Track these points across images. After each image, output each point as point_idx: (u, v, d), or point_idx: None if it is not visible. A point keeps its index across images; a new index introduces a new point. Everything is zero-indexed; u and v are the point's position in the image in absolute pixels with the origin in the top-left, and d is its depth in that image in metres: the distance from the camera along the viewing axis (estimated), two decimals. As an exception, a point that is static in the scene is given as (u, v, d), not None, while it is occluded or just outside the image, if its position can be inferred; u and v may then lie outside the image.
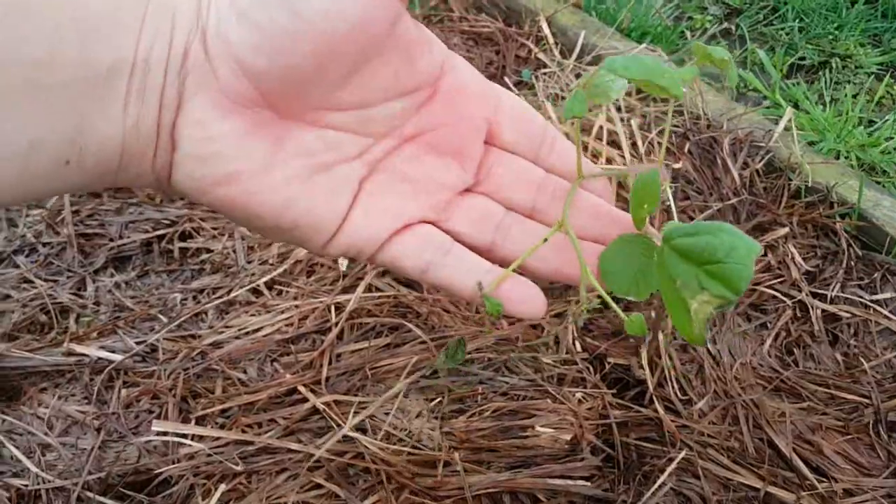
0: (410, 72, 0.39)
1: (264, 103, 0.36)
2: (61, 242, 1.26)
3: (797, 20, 1.73)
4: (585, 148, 1.28)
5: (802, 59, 1.67)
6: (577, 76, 1.49)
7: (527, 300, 0.41)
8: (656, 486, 0.89)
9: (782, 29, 1.72)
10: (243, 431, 0.93)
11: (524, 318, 0.43)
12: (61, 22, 0.31)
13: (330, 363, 1.02)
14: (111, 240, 1.27)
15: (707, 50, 0.45)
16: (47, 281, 1.21)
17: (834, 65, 1.65)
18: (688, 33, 1.70)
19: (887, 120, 1.47)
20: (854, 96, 1.57)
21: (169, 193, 0.41)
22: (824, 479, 0.91)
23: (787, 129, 1.27)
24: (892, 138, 1.43)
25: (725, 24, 1.76)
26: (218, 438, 0.92)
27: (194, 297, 1.16)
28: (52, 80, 0.31)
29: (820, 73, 1.65)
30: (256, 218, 0.38)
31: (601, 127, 1.29)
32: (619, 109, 1.35)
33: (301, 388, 0.98)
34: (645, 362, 1.00)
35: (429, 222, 0.41)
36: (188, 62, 0.34)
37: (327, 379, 1.00)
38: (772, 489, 0.89)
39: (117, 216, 1.29)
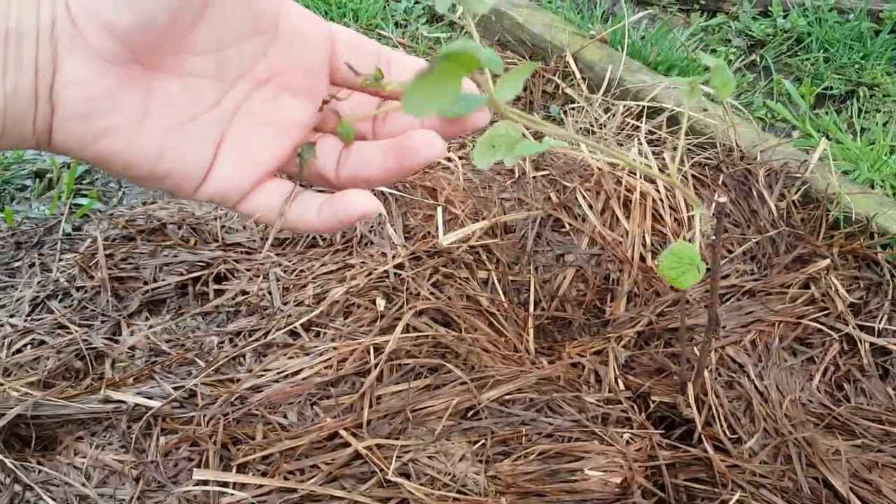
0: (251, 13, 0.42)
1: (131, 58, 0.39)
2: (95, 286, 1.26)
3: (822, 51, 1.73)
4: (619, 181, 1.27)
5: (829, 88, 1.66)
6: (606, 110, 1.49)
7: (357, 199, 0.44)
8: (712, 529, 0.86)
9: (807, 59, 1.72)
10: (286, 479, 0.92)
11: (361, 216, 0.45)
12: None
13: (370, 406, 1.00)
14: (145, 283, 1.26)
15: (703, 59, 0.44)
16: (82, 326, 1.20)
17: (861, 94, 1.64)
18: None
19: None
20: (884, 124, 1.56)
21: (49, 151, 0.44)
22: (886, 521, 0.88)
23: (822, 159, 1.26)
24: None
25: (750, 56, 1.76)
26: (260, 486, 0.90)
27: (231, 340, 1.15)
28: None
29: (847, 102, 1.64)
30: (134, 167, 0.41)
31: (635, 160, 1.28)
32: (651, 143, 1.35)
33: (342, 433, 0.97)
34: (692, 400, 0.98)
35: (286, 165, 0.45)
36: (56, 28, 0.37)
37: (368, 422, 0.98)
38: (832, 532, 0.87)
39: (151, 259, 1.29)
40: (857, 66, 1.68)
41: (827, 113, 1.59)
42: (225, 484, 0.91)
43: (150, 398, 1.05)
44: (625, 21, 1.57)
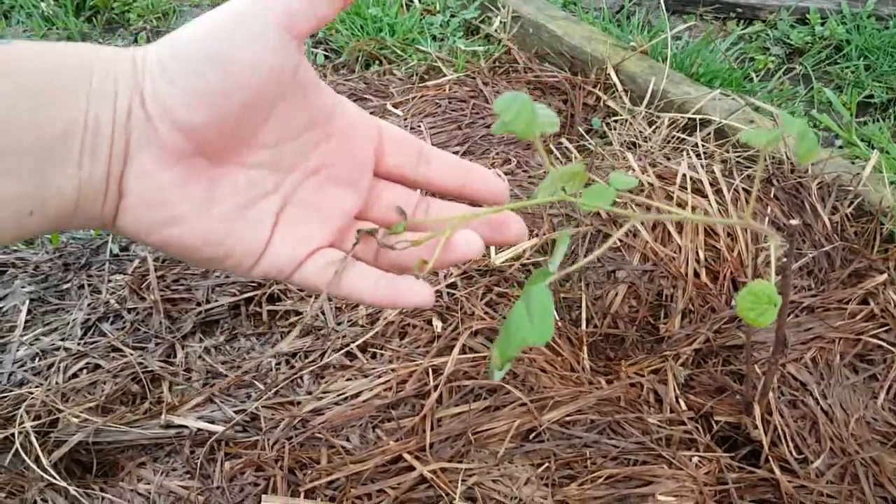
0: (310, 110, 0.45)
1: (198, 153, 0.41)
2: (147, 308, 1.27)
3: (862, 58, 1.71)
4: (670, 197, 1.26)
5: (870, 97, 1.65)
6: (650, 123, 1.49)
7: (413, 287, 0.46)
8: (788, 554, 0.86)
9: (847, 68, 1.71)
10: (354, 503, 0.92)
11: (415, 307, 0.50)
12: (10, 90, 0.36)
13: (432, 428, 1.00)
14: (198, 304, 1.27)
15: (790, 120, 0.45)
16: (136, 349, 1.21)
17: (905, 102, 1.63)
18: (753, 75, 1.69)
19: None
20: (927, 132, 1.55)
21: (114, 233, 0.48)
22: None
23: (875, 170, 1.25)
24: (976, 175, 1.40)
25: (788, 64, 1.75)
26: (330, 512, 0.91)
27: (287, 362, 1.15)
28: (8, 143, 0.36)
29: (890, 110, 1.63)
30: (195, 252, 0.43)
31: (684, 175, 1.28)
32: (699, 156, 1.34)
33: (406, 456, 0.97)
34: (759, 420, 0.97)
35: (332, 245, 0.48)
36: (131, 122, 0.39)
37: (431, 445, 0.98)
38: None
39: (203, 280, 1.30)
40: (898, 74, 1.67)
41: (874, 121, 1.58)
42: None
43: (212, 422, 1.05)
44: (666, 32, 1.57)
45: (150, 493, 0.99)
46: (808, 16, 1.81)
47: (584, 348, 1.16)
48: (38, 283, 1.33)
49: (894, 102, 1.64)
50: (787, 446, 0.97)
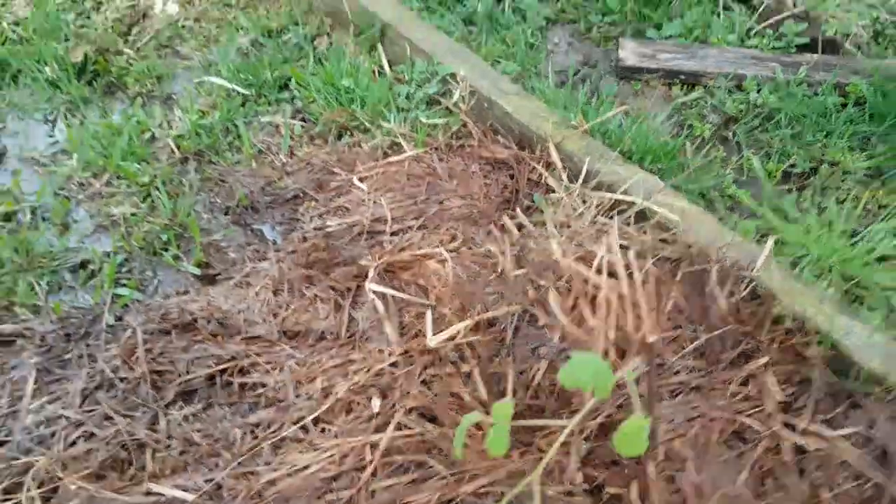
0: None
1: None
2: (136, 378, 1.47)
3: (790, 126, 1.86)
4: (586, 281, 1.44)
5: (794, 165, 1.80)
6: (584, 201, 1.66)
7: None
8: None
9: (776, 135, 1.86)
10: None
11: None
12: None
13: (366, 500, 1.20)
14: (179, 375, 1.47)
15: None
16: (125, 416, 1.42)
17: (823, 171, 1.78)
18: (688, 144, 1.85)
19: (870, 230, 1.60)
20: (841, 202, 1.71)
21: None
22: None
23: (775, 249, 1.42)
24: (873, 249, 1.56)
25: (724, 131, 1.91)
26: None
27: (252, 432, 1.36)
28: None
29: (811, 178, 1.78)
30: None
31: (602, 258, 1.45)
32: (621, 235, 1.51)
33: (343, 524, 1.17)
34: (635, 495, 1.16)
35: None
36: None
37: (364, 513, 1.18)
38: None
39: (184, 353, 1.50)
40: (820, 143, 1.82)
41: (790, 190, 1.74)
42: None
43: (186, 490, 1.26)
44: (606, 115, 1.73)
45: (133, 552, 1.20)
46: (744, 83, 1.96)
47: (510, 409, 1.34)
48: (43, 353, 1.54)
49: (815, 171, 1.79)
50: (661, 517, 1.16)
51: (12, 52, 2.29)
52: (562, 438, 1.07)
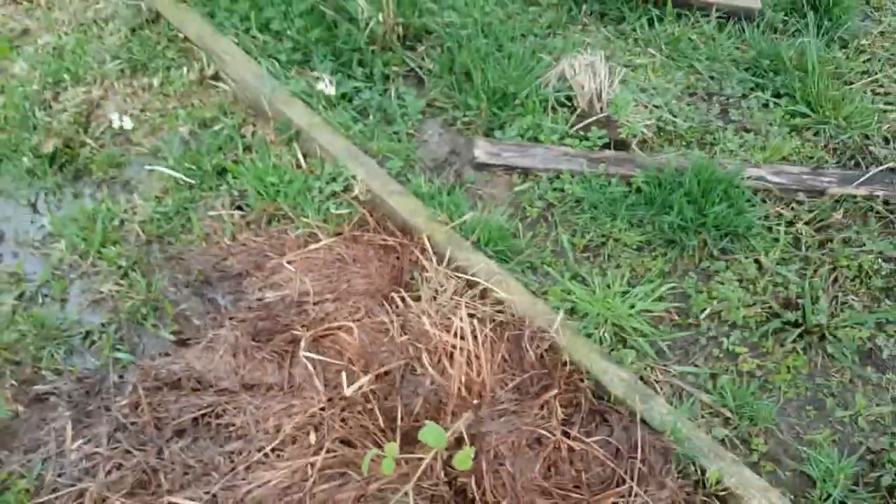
0: None
1: None
2: (143, 422, 2.15)
3: (590, 210, 2.68)
4: (446, 342, 2.21)
5: (591, 240, 2.62)
6: (447, 278, 2.42)
7: None
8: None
9: (580, 217, 2.67)
10: (271, 543, 1.86)
11: None
12: None
13: (311, 500, 1.95)
14: (173, 419, 2.16)
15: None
16: (140, 450, 2.10)
17: (609, 245, 2.60)
18: (520, 225, 2.63)
19: (635, 290, 2.44)
20: (618, 266, 2.54)
21: None
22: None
23: (563, 321, 2.23)
24: (634, 305, 2.40)
25: (546, 213, 2.71)
26: (259, 549, 1.85)
27: (229, 457, 2.08)
28: None
29: (602, 249, 2.61)
30: None
31: (457, 325, 2.22)
32: (469, 308, 2.28)
33: (297, 514, 1.91)
34: (474, 483, 1.96)
35: None
36: None
37: (310, 506, 1.93)
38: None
39: (175, 403, 2.18)
40: (609, 223, 2.64)
41: (588, 259, 2.56)
42: (241, 549, 1.85)
43: (193, 500, 1.97)
44: (462, 218, 2.49)
45: (164, 541, 1.91)
46: (561, 175, 2.75)
47: (398, 438, 2.12)
48: (72, 408, 2.19)
49: (605, 244, 2.62)
50: (488, 495, 1.97)
51: (-7, 143, 2.83)
52: (428, 459, 1.86)
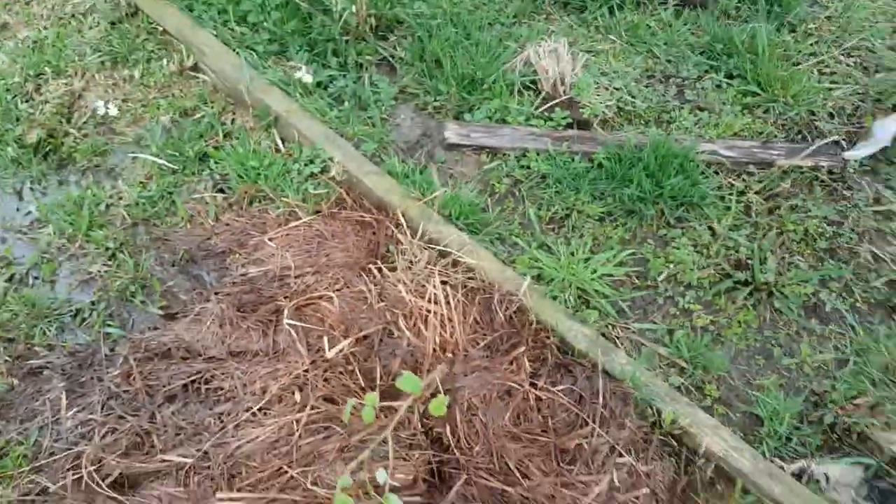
0: None
1: None
2: (135, 390, 2.27)
3: (555, 185, 2.84)
4: (421, 307, 2.35)
5: (556, 213, 2.78)
6: (421, 250, 2.57)
7: None
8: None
9: (546, 192, 2.83)
10: (272, 491, 2.00)
11: None
12: None
13: (296, 451, 2.08)
14: (164, 386, 2.28)
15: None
16: (133, 416, 2.22)
17: (573, 216, 2.76)
18: (489, 200, 2.78)
19: (597, 257, 2.60)
20: (581, 236, 2.70)
21: None
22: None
23: (530, 285, 2.38)
24: (596, 270, 2.56)
25: (514, 188, 2.86)
26: (258, 499, 1.98)
27: (219, 418, 2.20)
28: None
29: (566, 221, 2.77)
30: None
31: (431, 292, 2.36)
32: (443, 273, 2.43)
33: (284, 468, 2.05)
34: (449, 432, 2.10)
35: None
36: None
37: (296, 460, 2.07)
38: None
39: (165, 371, 2.31)
40: (573, 196, 2.80)
41: (553, 230, 2.72)
42: (240, 499, 1.98)
43: (185, 457, 2.09)
44: (434, 194, 2.64)
45: (160, 496, 2.03)
46: (528, 154, 2.91)
47: (377, 391, 2.25)
48: (66, 379, 2.31)
49: (569, 216, 2.77)
50: (462, 442, 2.11)
51: (-19, 140, 2.93)
52: (406, 405, 2.00)
